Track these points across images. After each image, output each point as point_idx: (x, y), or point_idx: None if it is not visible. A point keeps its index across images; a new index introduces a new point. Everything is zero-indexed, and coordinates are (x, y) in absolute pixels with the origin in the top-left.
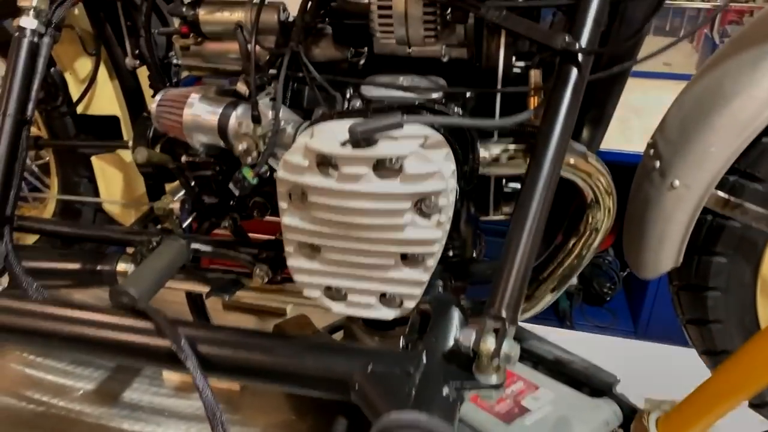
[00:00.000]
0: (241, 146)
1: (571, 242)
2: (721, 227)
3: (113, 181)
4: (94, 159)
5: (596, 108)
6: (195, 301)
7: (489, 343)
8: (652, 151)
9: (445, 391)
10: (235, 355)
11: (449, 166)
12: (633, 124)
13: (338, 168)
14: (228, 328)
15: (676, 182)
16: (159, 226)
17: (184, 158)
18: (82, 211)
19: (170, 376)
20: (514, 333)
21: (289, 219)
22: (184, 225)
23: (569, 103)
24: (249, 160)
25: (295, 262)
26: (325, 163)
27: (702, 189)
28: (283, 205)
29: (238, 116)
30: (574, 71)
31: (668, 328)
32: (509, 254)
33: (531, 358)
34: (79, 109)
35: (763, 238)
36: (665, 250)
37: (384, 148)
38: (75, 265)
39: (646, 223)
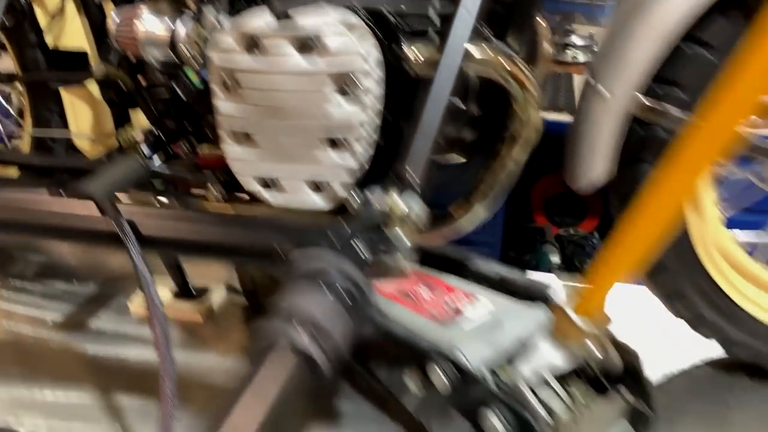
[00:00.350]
0: (185, 51)
1: (495, 153)
2: (649, 136)
3: (82, 116)
4: (63, 93)
5: (520, 15)
6: None
7: (394, 198)
8: (588, 70)
9: (358, 246)
10: (173, 232)
11: (372, 51)
12: None
13: (263, 46)
14: (169, 209)
15: (603, 90)
16: None
17: (140, 77)
18: (54, 147)
19: (137, 309)
20: (419, 195)
21: (222, 105)
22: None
23: None
24: (194, 64)
25: (230, 150)
26: (253, 46)
27: (625, 94)
28: (217, 91)
29: (185, 25)
30: None
31: None
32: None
33: (475, 277)
34: (49, 43)
35: None
36: (596, 159)
37: (305, 22)
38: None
39: (579, 134)
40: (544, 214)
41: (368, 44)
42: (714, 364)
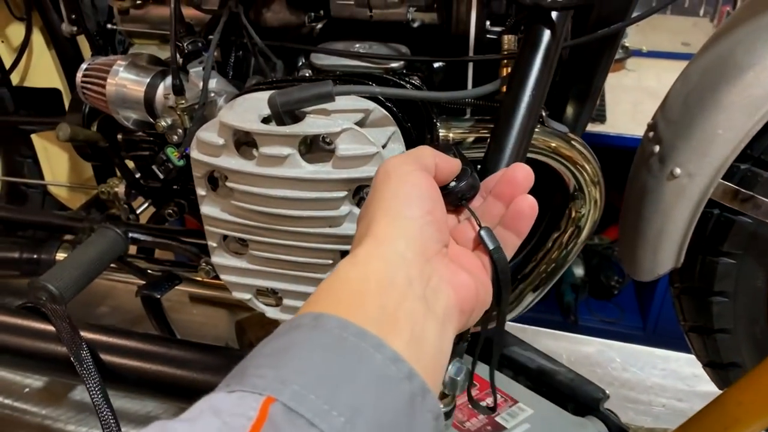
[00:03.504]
0: (164, 122)
1: (552, 239)
2: (730, 223)
3: (58, 162)
4: (34, 138)
5: (581, 81)
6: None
7: None
8: (651, 133)
9: None
10: (140, 366)
11: (395, 148)
12: (646, 107)
13: (259, 146)
14: (139, 334)
15: (678, 170)
16: (107, 212)
17: (120, 136)
18: (28, 194)
19: None
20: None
21: (208, 208)
22: (133, 211)
23: (539, 69)
24: (175, 138)
25: (219, 258)
26: (247, 143)
27: (707, 178)
28: (200, 191)
29: (166, 87)
30: (546, 32)
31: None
32: None
33: (512, 366)
34: (15, 81)
35: None
36: (664, 248)
37: (309, 125)
38: (13, 254)
39: (642, 217)
40: None
41: (393, 140)
42: None
